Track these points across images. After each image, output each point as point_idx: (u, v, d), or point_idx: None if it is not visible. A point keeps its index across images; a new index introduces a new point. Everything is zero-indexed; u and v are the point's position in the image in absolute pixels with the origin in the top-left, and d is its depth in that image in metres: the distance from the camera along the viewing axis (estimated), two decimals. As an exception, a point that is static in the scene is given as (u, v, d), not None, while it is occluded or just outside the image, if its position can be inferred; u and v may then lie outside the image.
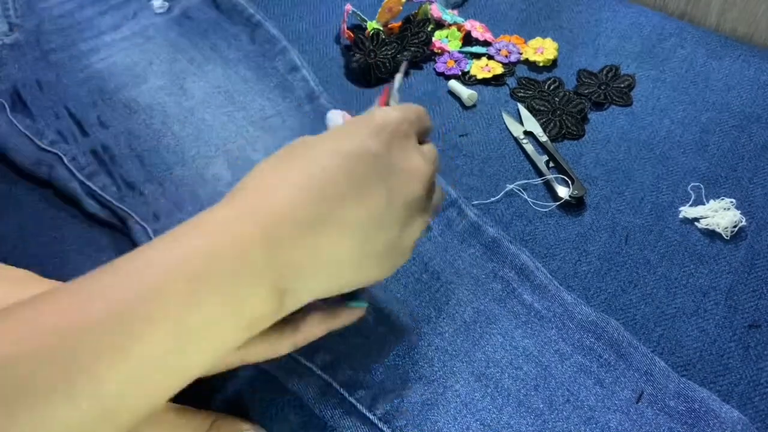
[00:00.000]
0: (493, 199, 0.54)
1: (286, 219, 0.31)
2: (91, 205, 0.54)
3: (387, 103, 0.40)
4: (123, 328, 0.27)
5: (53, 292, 0.28)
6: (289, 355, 0.44)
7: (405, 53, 0.66)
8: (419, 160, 0.36)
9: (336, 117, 0.53)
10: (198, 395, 0.44)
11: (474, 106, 0.63)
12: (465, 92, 0.62)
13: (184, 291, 0.28)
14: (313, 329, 0.40)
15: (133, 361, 0.27)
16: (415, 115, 0.38)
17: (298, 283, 0.32)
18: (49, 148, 0.57)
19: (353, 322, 0.41)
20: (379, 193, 0.34)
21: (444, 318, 0.46)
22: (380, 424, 0.41)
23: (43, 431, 0.25)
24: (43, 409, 0.25)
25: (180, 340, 0.28)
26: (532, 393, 0.43)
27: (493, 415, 0.42)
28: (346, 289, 0.36)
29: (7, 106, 0.60)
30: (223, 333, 0.30)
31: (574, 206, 0.54)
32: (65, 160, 0.56)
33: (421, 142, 0.38)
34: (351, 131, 0.35)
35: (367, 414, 0.42)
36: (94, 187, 0.54)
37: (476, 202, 0.54)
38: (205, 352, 0.30)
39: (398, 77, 0.41)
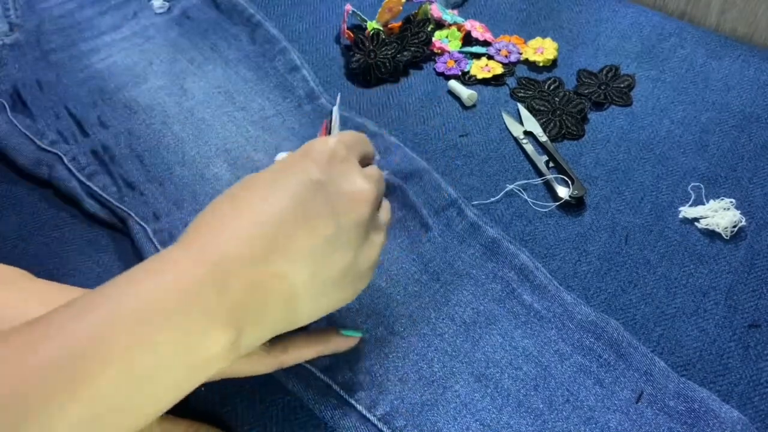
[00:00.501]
0: (493, 199, 0.54)
1: (235, 258, 0.31)
2: (91, 205, 0.54)
3: (328, 134, 0.42)
4: (73, 369, 0.27)
5: (10, 333, 0.28)
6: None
7: (405, 53, 0.66)
8: (362, 182, 0.36)
9: (282, 157, 0.53)
10: (197, 395, 0.44)
11: (474, 106, 0.63)
12: (465, 92, 0.62)
13: (134, 332, 0.28)
14: (302, 351, 0.40)
15: (84, 402, 0.27)
16: (353, 140, 0.39)
17: (254, 321, 0.32)
18: (49, 148, 0.57)
19: (347, 349, 0.42)
20: (327, 219, 0.34)
21: (444, 318, 0.46)
22: (380, 425, 0.41)
23: None
24: None
25: (130, 382, 0.28)
26: (532, 393, 0.43)
27: (493, 416, 0.42)
28: (311, 320, 0.36)
29: (7, 106, 0.60)
30: (175, 374, 0.30)
31: (574, 206, 0.54)
32: (65, 160, 0.56)
33: (364, 165, 0.39)
34: (292, 163, 0.36)
35: (367, 415, 0.42)
36: (94, 187, 0.54)
37: (476, 202, 0.54)
38: (158, 394, 0.30)
39: (335, 110, 0.42)
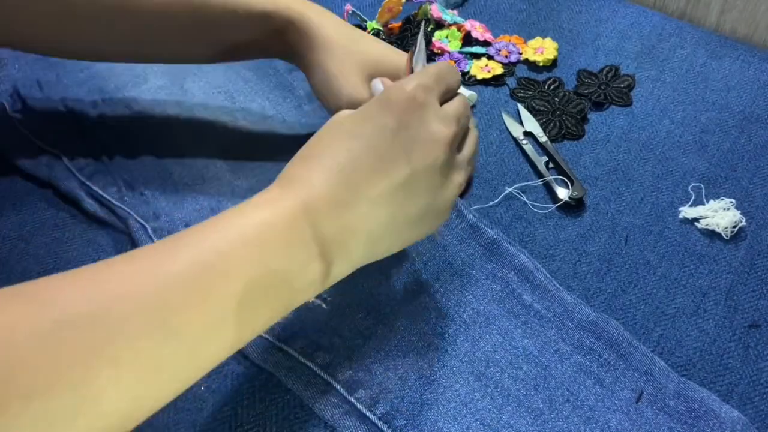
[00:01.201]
0: (492, 203, 0.54)
1: (323, 200, 0.35)
2: (91, 205, 0.54)
3: (412, 69, 0.43)
4: (204, 279, 0.31)
5: (134, 253, 0.32)
6: (289, 354, 0.45)
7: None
8: (438, 126, 0.38)
9: (377, 85, 0.55)
10: (196, 395, 0.44)
11: (474, 106, 0.63)
12: (466, 92, 0.62)
13: (251, 253, 0.33)
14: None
15: (213, 307, 0.31)
16: (433, 78, 0.40)
17: (341, 256, 0.36)
18: (48, 148, 0.57)
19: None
20: (402, 165, 0.37)
21: (444, 318, 0.46)
22: (380, 424, 0.41)
23: (138, 365, 0.29)
24: (141, 345, 0.29)
25: (245, 295, 0.32)
26: (532, 393, 0.43)
27: (493, 415, 0.42)
28: (390, 254, 0.40)
29: (7, 106, 0.60)
30: (281, 294, 0.34)
31: (574, 207, 0.54)
32: (65, 160, 0.56)
33: (448, 98, 0.41)
34: (370, 112, 0.38)
35: (367, 414, 0.42)
36: (94, 187, 0.54)
37: (476, 206, 0.54)
38: (265, 309, 0.34)
39: (418, 40, 0.43)
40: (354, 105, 0.49)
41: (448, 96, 0.41)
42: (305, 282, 0.35)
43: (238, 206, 0.35)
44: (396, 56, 0.50)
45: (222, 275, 0.32)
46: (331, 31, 0.49)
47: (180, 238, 0.33)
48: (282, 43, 0.51)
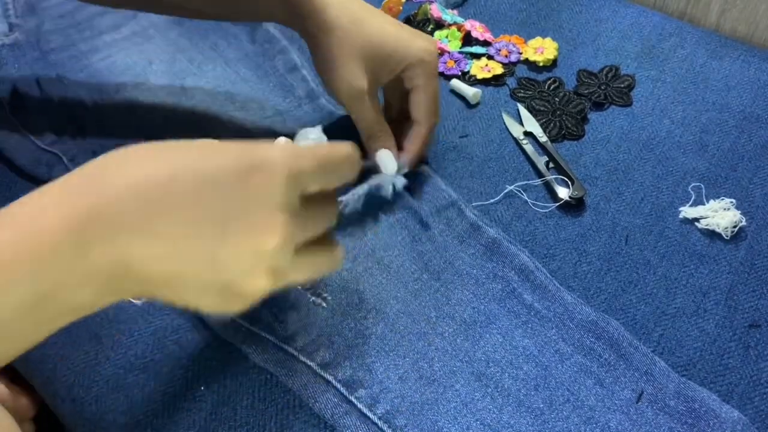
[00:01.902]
0: (493, 200, 0.54)
1: (104, 218, 0.31)
2: (91, 205, 0.54)
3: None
4: None
5: None
6: (289, 353, 0.45)
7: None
8: (280, 219, 0.32)
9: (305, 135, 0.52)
10: (196, 395, 0.44)
11: (478, 103, 0.63)
12: (470, 90, 0.62)
13: (12, 273, 0.29)
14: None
15: None
16: (316, 161, 0.35)
17: (111, 286, 0.32)
18: (48, 148, 0.57)
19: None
20: (213, 229, 0.32)
21: (444, 317, 0.46)
22: (380, 423, 0.41)
23: None
24: None
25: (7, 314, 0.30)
26: (532, 393, 0.43)
27: (493, 415, 0.42)
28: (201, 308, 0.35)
29: (7, 106, 0.60)
30: (35, 318, 0.31)
31: (574, 207, 0.54)
32: (65, 160, 0.56)
33: (325, 192, 0.36)
34: (226, 153, 0.33)
35: (368, 413, 0.42)
36: (94, 187, 0.54)
37: (476, 203, 0.54)
38: (16, 335, 0.31)
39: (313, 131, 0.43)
40: (350, 92, 0.49)
41: (328, 189, 0.36)
42: (57, 311, 0.31)
43: (6, 209, 0.32)
44: (403, 38, 0.50)
45: None
46: (336, 10, 0.49)
47: None
48: (290, 13, 0.51)
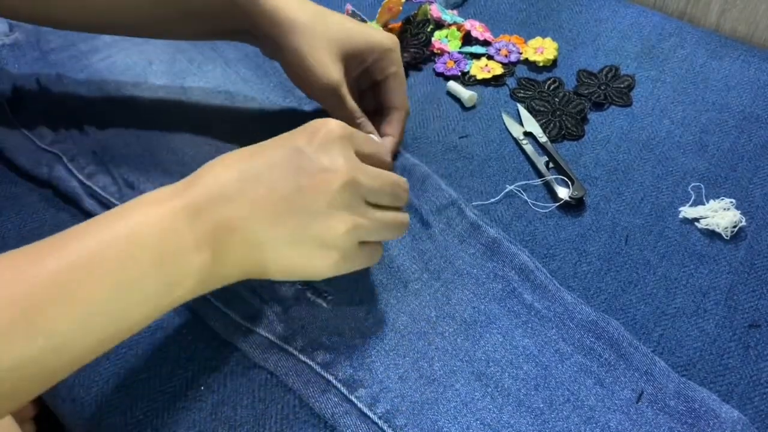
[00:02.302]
0: (493, 200, 0.54)
1: (207, 198, 0.38)
2: (92, 205, 0.54)
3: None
4: (71, 279, 0.33)
5: (16, 252, 0.34)
6: (289, 353, 0.45)
7: (404, 54, 0.66)
8: (340, 161, 0.39)
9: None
10: (196, 395, 0.44)
11: (474, 106, 0.63)
12: (465, 93, 0.62)
13: (120, 251, 0.35)
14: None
15: (79, 305, 0.33)
16: (362, 138, 0.43)
17: (221, 252, 0.38)
18: (48, 148, 0.57)
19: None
20: (288, 181, 0.39)
21: (444, 317, 0.46)
22: (380, 423, 0.41)
23: (4, 363, 0.31)
24: (6, 345, 0.31)
25: (117, 291, 0.34)
26: (532, 393, 0.43)
27: (493, 415, 0.42)
28: (281, 276, 0.41)
29: (7, 106, 0.60)
30: (156, 286, 0.36)
31: (574, 207, 0.54)
32: (65, 159, 0.56)
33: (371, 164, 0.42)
34: (290, 135, 0.41)
35: (368, 413, 0.42)
36: (94, 187, 0.54)
37: (476, 203, 0.54)
38: (140, 303, 0.36)
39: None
40: (327, 85, 0.50)
41: (371, 162, 0.43)
42: (181, 275, 0.36)
43: (124, 205, 0.37)
44: (365, 31, 0.51)
45: (87, 274, 0.33)
46: (294, 8, 0.49)
47: (58, 238, 0.35)
48: (247, 26, 0.51)
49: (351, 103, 0.51)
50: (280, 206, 0.38)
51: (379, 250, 0.44)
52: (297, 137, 0.40)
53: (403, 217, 0.44)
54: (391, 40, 0.53)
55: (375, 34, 0.52)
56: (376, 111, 0.55)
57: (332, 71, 0.49)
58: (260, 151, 0.40)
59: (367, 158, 0.42)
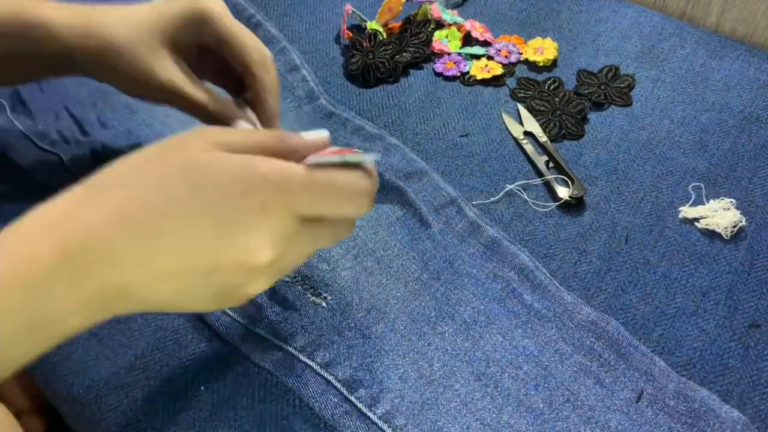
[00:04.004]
0: (493, 199, 0.54)
1: (95, 258, 0.30)
2: (91, 205, 0.54)
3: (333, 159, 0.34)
4: None
5: None
6: (289, 353, 0.45)
7: (404, 54, 0.66)
8: (270, 238, 0.32)
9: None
10: (196, 395, 0.44)
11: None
12: (366, 157, 0.40)
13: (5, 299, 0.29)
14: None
15: None
16: (326, 189, 0.33)
17: (106, 306, 0.32)
18: (49, 148, 0.57)
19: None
20: (205, 248, 0.31)
21: (444, 317, 0.46)
22: (380, 423, 0.41)
23: None
24: None
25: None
26: (532, 393, 0.43)
27: (493, 415, 0.42)
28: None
29: (7, 106, 0.60)
30: (30, 338, 0.30)
31: (574, 206, 0.54)
32: (65, 160, 0.56)
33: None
34: (217, 175, 0.32)
35: (368, 413, 0.42)
36: (94, 187, 0.54)
37: (476, 202, 0.54)
38: (11, 352, 0.30)
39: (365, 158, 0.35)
40: (170, 81, 0.43)
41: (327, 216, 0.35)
42: (56, 327, 0.31)
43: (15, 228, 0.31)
44: (179, 5, 0.44)
45: None
46: (108, 16, 0.44)
47: None
48: (63, 53, 0.44)
49: (201, 94, 0.45)
50: (189, 274, 0.32)
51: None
52: (219, 196, 0.31)
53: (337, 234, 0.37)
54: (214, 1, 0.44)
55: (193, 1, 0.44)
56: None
57: (170, 68, 0.43)
58: (168, 196, 0.31)
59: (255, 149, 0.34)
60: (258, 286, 0.34)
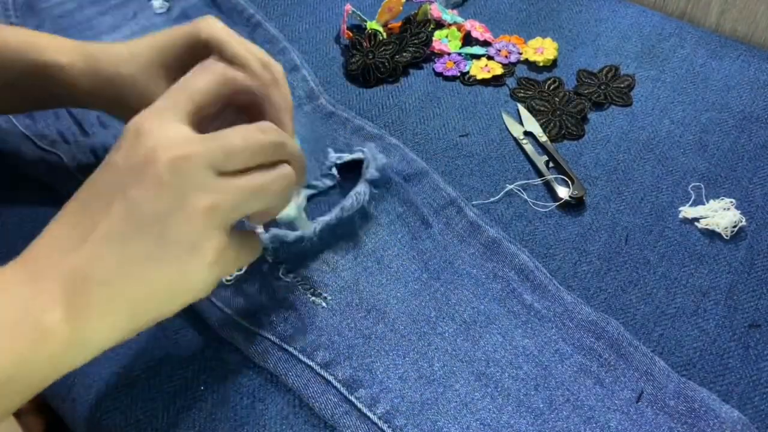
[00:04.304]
0: (493, 199, 0.54)
1: (46, 255, 0.33)
2: (91, 205, 0.54)
3: None
4: None
5: None
6: (289, 353, 0.45)
7: (404, 54, 0.66)
8: (164, 141, 0.33)
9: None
10: (196, 395, 0.44)
11: (300, 216, 0.48)
12: (292, 208, 0.47)
13: None
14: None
15: None
16: (219, 147, 0.34)
17: (84, 312, 0.32)
18: (49, 148, 0.57)
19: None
20: (118, 198, 0.33)
21: (444, 317, 0.46)
22: (380, 423, 0.41)
23: None
24: None
25: None
26: (532, 393, 0.43)
27: (493, 415, 0.42)
28: (165, 310, 0.35)
29: (7, 106, 0.60)
30: (19, 380, 0.31)
31: (574, 206, 0.54)
32: (65, 160, 0.56)
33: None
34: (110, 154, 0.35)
35: (368, 413, 0.42)
36: (94, 187, 0.54)
37: (476, 202, 0.54)
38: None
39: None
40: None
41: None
42: (44, 358, 0.31)
43: None
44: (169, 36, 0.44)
45: None
46: (109, 53, 0.45)
47: None
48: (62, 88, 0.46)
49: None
50: (121, 232, 0.33)
51: (256, 240, 0.40)
52: (114, 152, 0.34)
53: (276, 173, 0.37)
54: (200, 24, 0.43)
55: (180, 31, 0.44)
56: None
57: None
58: (86, 185, 0.35)
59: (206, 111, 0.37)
60: (196, 200, 0.33)
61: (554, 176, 0.55)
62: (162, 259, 0.33)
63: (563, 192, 0.54)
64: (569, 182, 0.54)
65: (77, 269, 0.32)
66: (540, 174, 0.56)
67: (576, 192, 0.53)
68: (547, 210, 0.54)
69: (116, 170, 0.33)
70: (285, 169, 0.37)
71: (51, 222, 0.34)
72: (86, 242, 0.32)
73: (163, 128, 0.34)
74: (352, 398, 0.42)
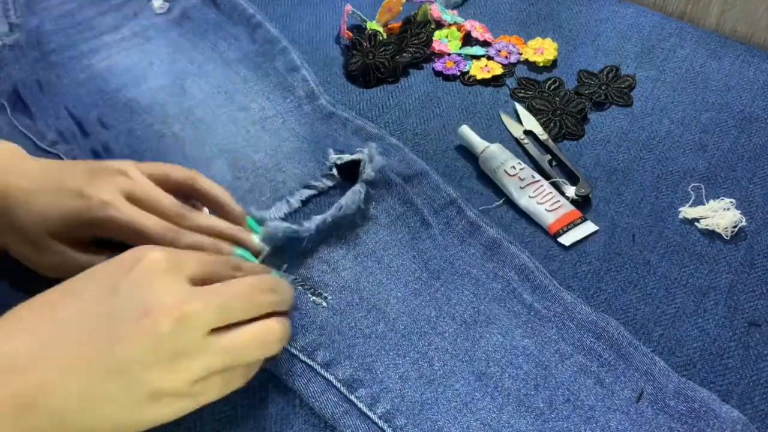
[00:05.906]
0: (496, 203, 0.54)
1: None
2: (92, 205, 0.54)
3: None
4: None
5: None
6: (289, 353, 0.45)
7: (404, 54, 0.66)
8: (167, 300, 0.34)
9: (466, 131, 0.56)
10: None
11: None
12: (479, 145, 0.56)
13: None
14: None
15: None
16: (194, 260, 0.36)
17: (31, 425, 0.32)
18: (49, 149, 0.57)
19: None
20: (105, 328, 0.33)
21: (444, 317, 0.46)
22: (380, 423, 0.41)
23: None
24: None
25: None
26: (532, 392, 0.43)
27: (493, 415, 0.42)
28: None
29: (7, 106, 0.60)
30: None
31: (579, 205, 0.53)
32: (65, 160, 0.56)
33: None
34: (108, 268, 0.35)
35: (368, 413, 0.42)
36: (94, 187, 0.54)
37: (482, 207, 0.54)
38: None
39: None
40: (70, 265, 0.42)
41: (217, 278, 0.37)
42: None
43: None
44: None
45: None
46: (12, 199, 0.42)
47: None
48: None
49: (143, 224, 0.42)
50: (95, 364, 0.32)
51: (236, 378, 0.39)
52: (112, 274, 0.34)
53: (272, 326, 0.38)
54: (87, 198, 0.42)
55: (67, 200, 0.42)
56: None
57: (70, 256, 0.42)
58: (64, 297, 0.34)
59: (208, 277, 0.37)
60: (173, 373, 0.34)
61: (560, 179, 0.55)
62: (129, 404, 0.33)
63: (570, 191, 0.54)
64: (574, 180, 0.54)
65: (31, 395, 0.31)
66: (543, 173, 0.56)
67: (582, 190, 0.53)
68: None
69: (113, 301, 0.34)
70: (278, 324, 0.39)
71: (9, 323, 0.33)
72: (50, 368, 0.32)
73: (175, 282, 0.35)
74: (353, 398, 0.42)
